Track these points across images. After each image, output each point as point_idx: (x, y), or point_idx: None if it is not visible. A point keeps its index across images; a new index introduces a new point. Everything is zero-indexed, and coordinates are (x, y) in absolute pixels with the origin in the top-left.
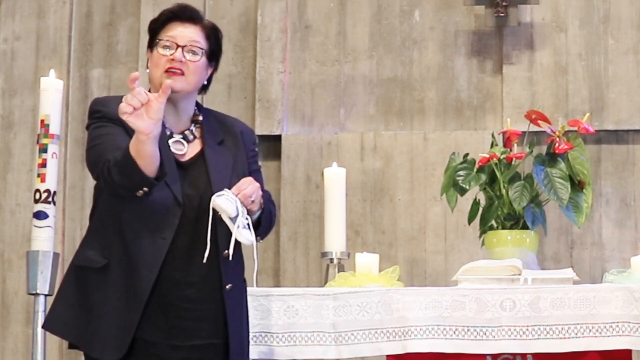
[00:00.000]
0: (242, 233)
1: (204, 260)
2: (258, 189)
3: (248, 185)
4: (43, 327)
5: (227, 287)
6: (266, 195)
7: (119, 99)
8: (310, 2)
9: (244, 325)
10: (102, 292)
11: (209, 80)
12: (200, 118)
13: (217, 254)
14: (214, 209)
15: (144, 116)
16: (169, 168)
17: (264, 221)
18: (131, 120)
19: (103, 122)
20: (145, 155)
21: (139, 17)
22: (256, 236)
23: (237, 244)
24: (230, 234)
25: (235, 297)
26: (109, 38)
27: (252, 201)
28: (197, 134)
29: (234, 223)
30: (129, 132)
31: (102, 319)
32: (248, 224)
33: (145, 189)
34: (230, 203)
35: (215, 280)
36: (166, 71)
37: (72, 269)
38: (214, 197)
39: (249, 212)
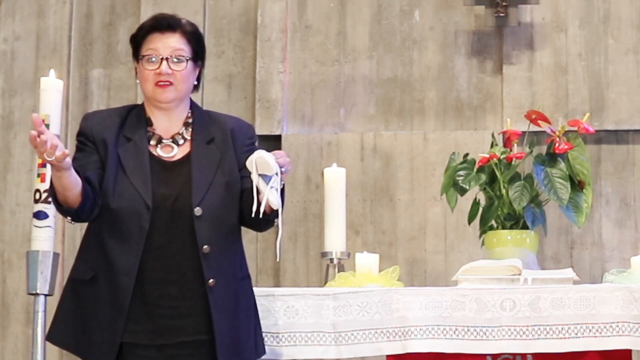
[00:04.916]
0: (274, 194)
1: (252, 215)
2: (289, 163)
3: (282, 156)
4: (46, 339)
5: (210, 282)
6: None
7: (105, 113)
8: (310, 2)
9: (240, 322)
10: (92, 303)
11: (199, 78)
12: (191, 120)
13: (197, 249)
14: (255, 165)
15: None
16: (141, 173)
17: (283, 199)
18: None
19: (80, 140)
20: (63, 186)
21: (139, 17)
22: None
23: (227, 243)
24: (210, 233)
25: (220, 292)
26: (109, 38)
27: (283, 172)
28: (188, 135)
29: (267, 183)
30: (99, 150)
31: (93, 328)
32: (276, 190)
33: (69, 218)
34: (274, 161)
35: (197, 277)
36: (156, 84)
37: (68, 282)
38: (258, 151)
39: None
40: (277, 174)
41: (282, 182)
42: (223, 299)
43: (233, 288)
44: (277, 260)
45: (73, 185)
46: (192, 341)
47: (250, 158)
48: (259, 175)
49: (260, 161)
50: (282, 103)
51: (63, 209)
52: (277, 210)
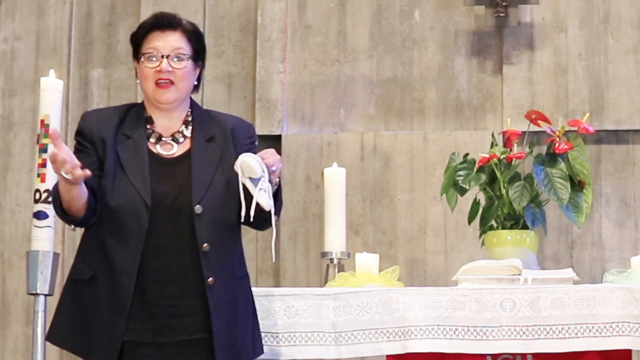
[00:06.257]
0: (263, 196)
1: (242, 220)
2: (280, 160)
3: (270, 155)
4: (46, 338)
5: (209, 280)
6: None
7: (104, 111)
8: (310, 2)
9: (239, 321)
10: (92, 303)
11: (199, 78)
12: (191, 118)
13: (197, 248)
14: (240, 170)
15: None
16: (140, 171)
17: (280, 197)
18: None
19: (78, 140)
20: (72, 197)
21: (139, 17)
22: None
23: (226, 242)
24: (209, 231)
25: (220, 291)
26: (109, 38)
27: (273, 171)
28: (188, 133)
29: (255, 185)
30: (98, 149)
31: (93, 327)
32: (265, 191)
33: (72, 225)
34: (258, 164)
35: (197, 275)
36: (156, 83)
37: (68, 282)
38: (242, 155)
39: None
40: (264, 175)
41: (277, 179)
42: (222, 297)
43: (232, 287)
44: (273, 260)
45: (81, 196)
46: (193, 340)
47: (236, 163)
48: (248, 178)
49: (244, 165)
50: (282, 103)
51: (69, 218)
52: (272, 211)
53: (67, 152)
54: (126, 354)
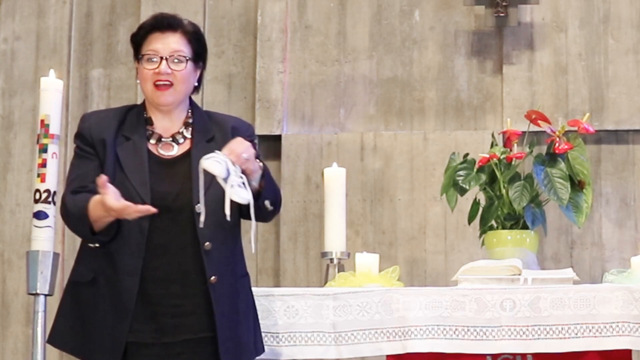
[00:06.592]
0: (237, 192)
1: (201, 225)
2: (249, 147)
3: (237, 145)
4: (47, 341)
5: (212, 279)
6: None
7: (103, 113)
8: (310, 2)
9: (241, 319)
10: (93, 304)
11: (200, 79)
12: (191, 120)
13: (198, 247)
14: (205, 172)
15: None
16: (139, 172)
17: (268, 185)
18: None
19: (78, 145)
20: (102, 221)
21: (139, 17)
22: (271, 204)
23: (227, 240)
24: (211, 229)
25: (222, 289)
26: (109, 38)
27: (247, 159)
28: (188, 134)
29: (226, 183)
30: (98, 152)
31: (94, 329)
32: (244, 183)
33: (96, 244)
34: (219, 164)
35: (199, 274)
36: (155, 84)
37: (68, 285)
38: (201, 160)
39: (246, 173)
40: (230, 170)
41: (260, 164)
42: (224, 296)
43: (233, 285)
44: (253, 252)
45: (110, 219)
46: (197, 339)
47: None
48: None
49: (206, 171)
50: (282, 103)
51: (95, 238)
52: (251, 202)
53: (115, 192)
54: (130, 354)
